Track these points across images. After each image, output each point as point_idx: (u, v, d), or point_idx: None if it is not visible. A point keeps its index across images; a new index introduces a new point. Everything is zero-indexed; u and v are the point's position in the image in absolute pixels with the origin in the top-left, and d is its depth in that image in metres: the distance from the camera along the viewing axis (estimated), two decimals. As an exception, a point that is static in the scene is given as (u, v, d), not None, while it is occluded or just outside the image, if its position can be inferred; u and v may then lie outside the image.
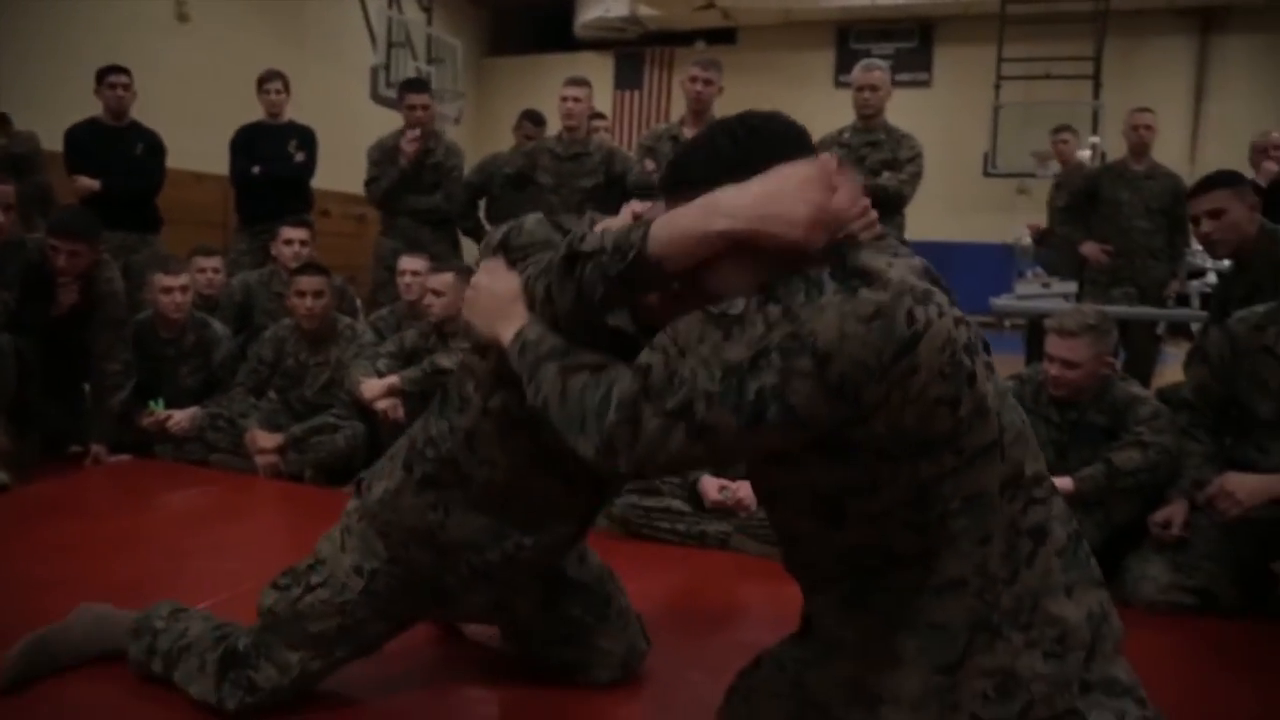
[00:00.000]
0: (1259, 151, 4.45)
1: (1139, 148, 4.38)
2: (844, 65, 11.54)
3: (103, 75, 4.36)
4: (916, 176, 3.80)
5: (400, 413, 3.13)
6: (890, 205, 3.74)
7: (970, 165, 9.65)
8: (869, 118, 3.85)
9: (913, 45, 11.34)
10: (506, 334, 1.25)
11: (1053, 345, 2.52)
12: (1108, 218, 4.46)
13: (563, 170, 4.25)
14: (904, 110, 10.50)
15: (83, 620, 1.72)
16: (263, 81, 4.74)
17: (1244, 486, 2.22)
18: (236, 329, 3.93)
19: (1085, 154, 6.95)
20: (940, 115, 10.23)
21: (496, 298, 1.29)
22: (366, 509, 1.56)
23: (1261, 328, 2.36)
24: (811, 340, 0.97)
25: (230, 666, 1.55)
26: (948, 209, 9.70)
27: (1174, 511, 2.38)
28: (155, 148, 4.47)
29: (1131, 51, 10.43)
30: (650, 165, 3.97)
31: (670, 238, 1.06)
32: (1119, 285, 4.02)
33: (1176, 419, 2.52)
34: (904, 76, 11.23)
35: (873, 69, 3.80)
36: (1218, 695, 1.83)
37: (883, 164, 3.77)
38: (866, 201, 1.13)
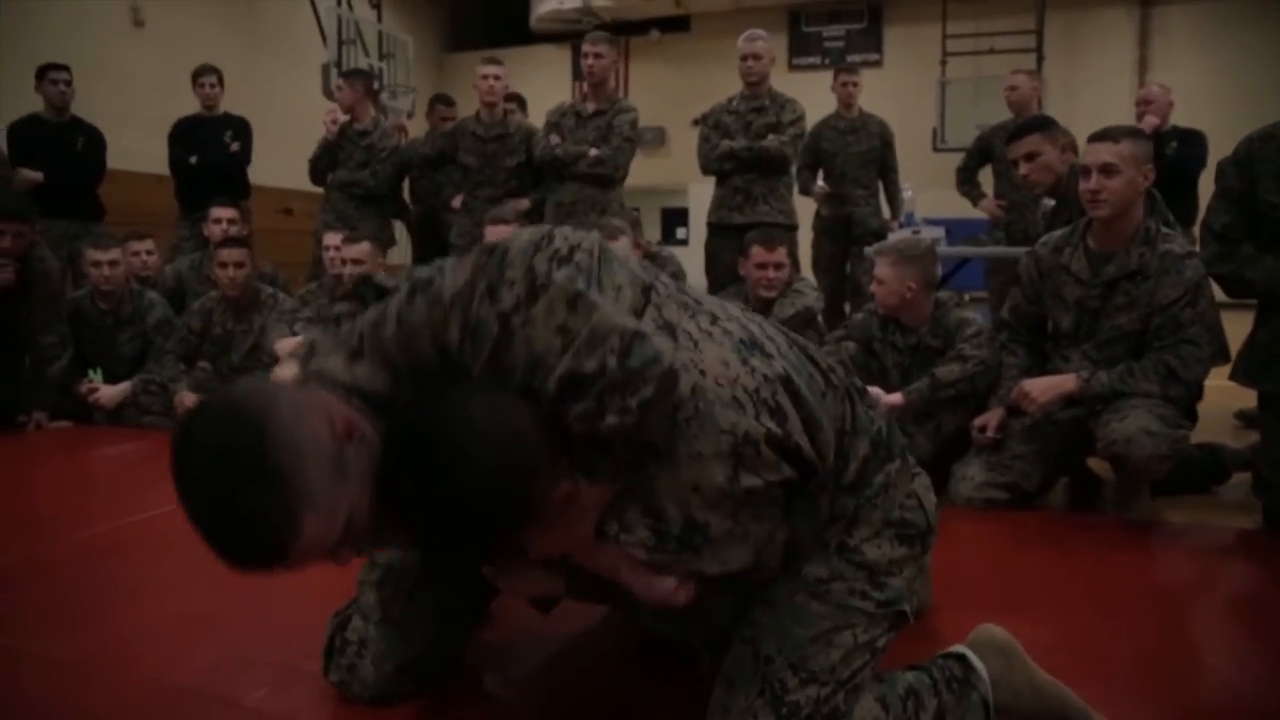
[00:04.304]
0: (1140, 104, 4.71)
1: (1016, 106, 4.65)
2: (797, 49, 11.80)
3: (43, 72, 4.61)
4: (798, 138, 4.05)
5: (313, 368, 3.35)
6: (775, 166, 3.99)
7: (921, 142, 9.88)
8: (754, 84, 4.08)
9: (863, 26, 11.58)
10: None
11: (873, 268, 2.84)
12: (1001, 174, 4.73)
13: (487, 151, 4.50)
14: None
15: None
16: (197, 76, 4.98)
17: (1037, 387, 2.50)
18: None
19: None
20: (892, 94, 10.45)
21: None
22: None
23: (1059, 249, 2.63)
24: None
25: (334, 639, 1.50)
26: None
27: (990, 416, 2.64)
28: (95, 142, 4.71)
29: (1073, 25, 10.67)
30: (555, 140, 4.22)
31: None
32: (993, 233, 4.28)
33: (997, 337, 2.79)
34: (855, 57, 11.49)
35: (755, 39, 4.03)
36: (1012, 574, 2.06)
37: (767, 128, 4.01)
38: None
